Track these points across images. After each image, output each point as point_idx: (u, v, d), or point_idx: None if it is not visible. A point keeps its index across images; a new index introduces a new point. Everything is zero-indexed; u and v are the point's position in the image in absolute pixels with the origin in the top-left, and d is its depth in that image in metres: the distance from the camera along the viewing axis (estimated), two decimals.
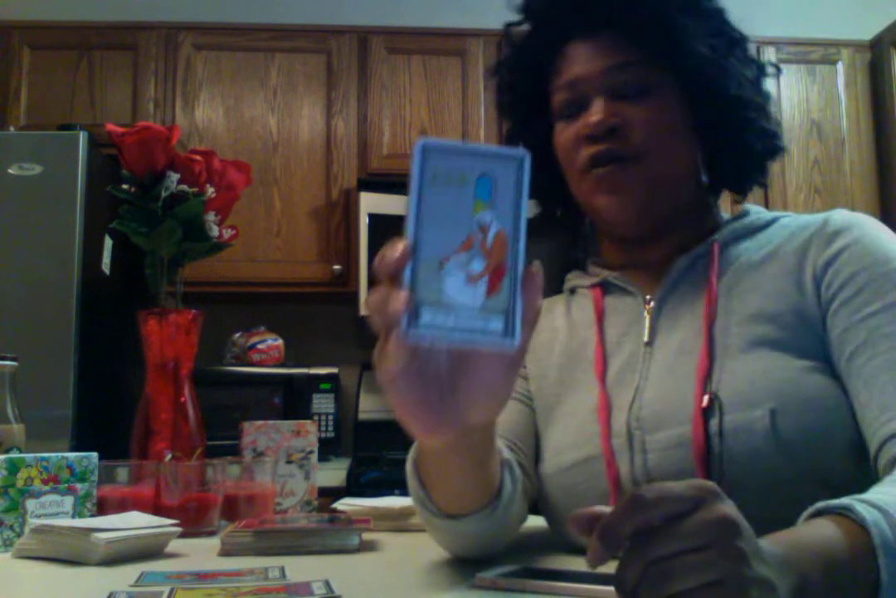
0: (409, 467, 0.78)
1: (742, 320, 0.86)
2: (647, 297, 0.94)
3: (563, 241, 2.75)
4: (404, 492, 0.82)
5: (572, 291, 1.05)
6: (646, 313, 0.94)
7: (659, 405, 0.86)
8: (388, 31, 2.99)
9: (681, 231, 0.96)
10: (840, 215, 0.90)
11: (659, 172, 0.91)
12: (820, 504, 0.64)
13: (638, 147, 0.90)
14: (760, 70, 0.98)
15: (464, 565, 0.82)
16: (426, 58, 2.98)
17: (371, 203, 2.74)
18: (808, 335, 0.84)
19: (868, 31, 3.15)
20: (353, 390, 2.99)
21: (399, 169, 2.88)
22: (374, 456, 2.53)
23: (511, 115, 1.05)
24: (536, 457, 0.96)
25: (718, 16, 0.96)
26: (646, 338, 0.92)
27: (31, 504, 1.00)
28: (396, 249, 0.52)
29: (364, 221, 2.73)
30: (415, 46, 2.98)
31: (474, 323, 0.52)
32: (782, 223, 0.95)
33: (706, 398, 0.82)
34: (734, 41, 0.96)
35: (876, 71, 3.15)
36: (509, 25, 1.01)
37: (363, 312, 2.70)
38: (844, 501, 0.63)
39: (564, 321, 1.01)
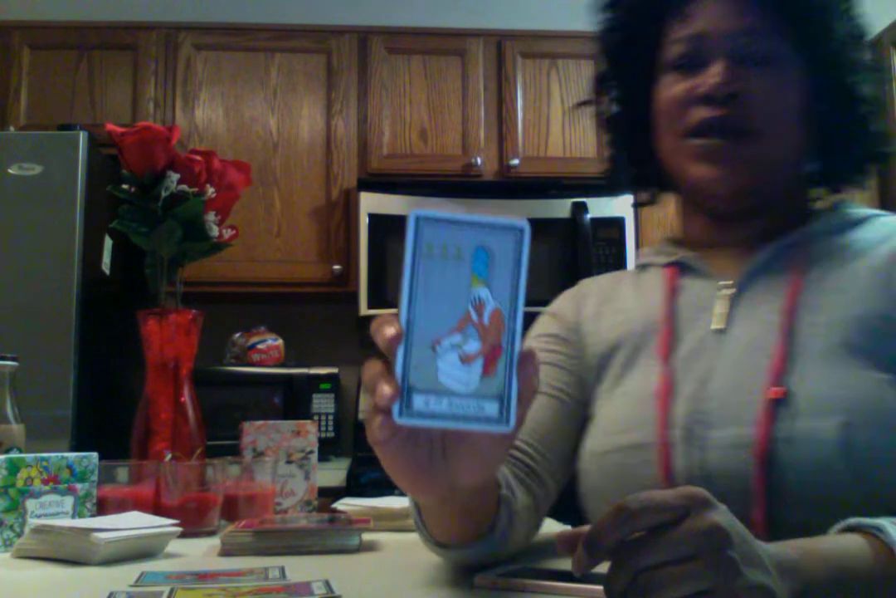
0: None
1: (825, 320, 0.81)
2: (723, 283, 0.89)
3: (562, 241, 2.75)
4: (404, 492, 0.82)
5: (643, 267, 0.99)
6: (720, 300, 0.88)
7: (724, 400, 0.81)
8: (388, 31, 2.99)
9: (770, 216, 0.91)
10: None
11: (769, 151, 0.86)
12: (853, 520, 0.63)
13: (755, 120, 0.85)
14: (878, 72, 0.93)
15: (464, 565, 0.82)
16: (426, 58, 2.98)
17: (371, 203, 2.74)
18: (892, 342, 0.78)
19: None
20: (353, 390, 2.99)
21: (399, 169, 2.88)
22: (374, 456, 2.52)
23: (611, 56, 0.98)
24: (571, 452, 0.91)
25: (855, 4, 0.91)
26: (718, 325, 0.86)
27: (31, 504, 1.00)
28: (389, 328, 0.51)
29: (364, 221, 2.73)
30: (415, 46, 2.98)
31: (468, 408, 0.51)
32: (880, 221, 0.90)
33: (778, 391, 0.77)
34: (861, 35, 0.91)
35: None
36: None
37: (363, 312, 2.70)
38: (879, 520, 0.62)
39: (633, 302, 0.96)
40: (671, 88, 0.90)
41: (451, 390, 0.51)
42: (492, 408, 0.52)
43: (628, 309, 0.95)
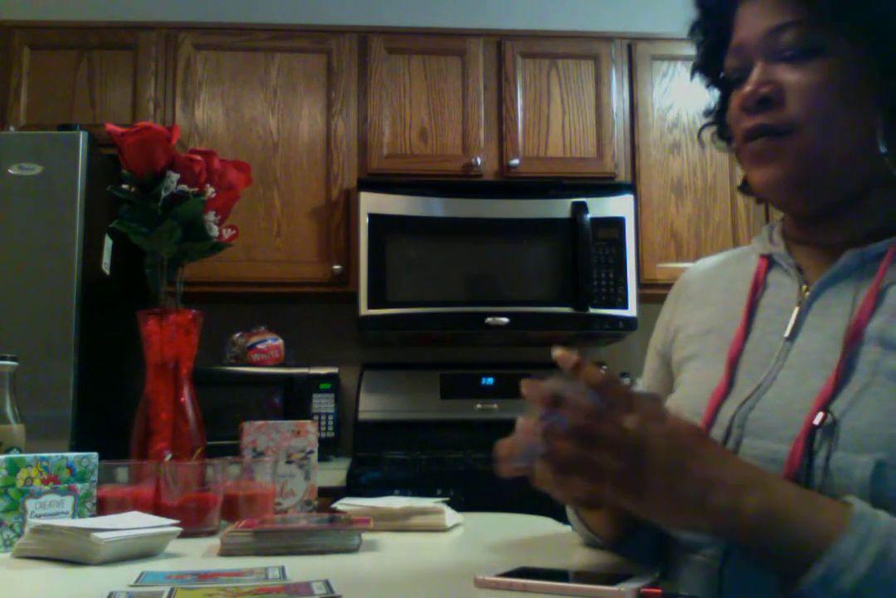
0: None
1: (889, 344, 0.76)
2: (804, 287, 0.86)
3: (562, 241, 2.75)
4: (404, 492, 0.82)
5: (753, 250, 0.96)
6: (796, 306, 0.85)
7: (772, 412, 0.80)
8: (388, 31, 2.98)
9: (861, 215, 0.85)
10: None
11: (819, 144, 0.81)
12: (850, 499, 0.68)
13: (793, 118, 0.81)
14: None
15: (464, 565, 0.82)
16: (426, 58, 2.97)
17: (371, 203, 2.74)
18: None
19: None
20: (353, 390, 2.99)
21: (399, 169, 2.88)
22: (374, 456, 2.53)
23: (702, 79, 0.97)
24: None
25: None
26: (787, 333, 0.84)
27: (31, 504, 1.00)
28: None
29: (364, 221, 2.73)
30: (415, 46, 2.98)
31: None
32: None
33: (822, 417, 0.74)
34: None
35: None
36: None
37: (363, 312, 2.70)
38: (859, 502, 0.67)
39: (722, 295, 0.95)
40: (732, 103, 0.88)
41: None
42: None
43: (716, 302, 0.95)
